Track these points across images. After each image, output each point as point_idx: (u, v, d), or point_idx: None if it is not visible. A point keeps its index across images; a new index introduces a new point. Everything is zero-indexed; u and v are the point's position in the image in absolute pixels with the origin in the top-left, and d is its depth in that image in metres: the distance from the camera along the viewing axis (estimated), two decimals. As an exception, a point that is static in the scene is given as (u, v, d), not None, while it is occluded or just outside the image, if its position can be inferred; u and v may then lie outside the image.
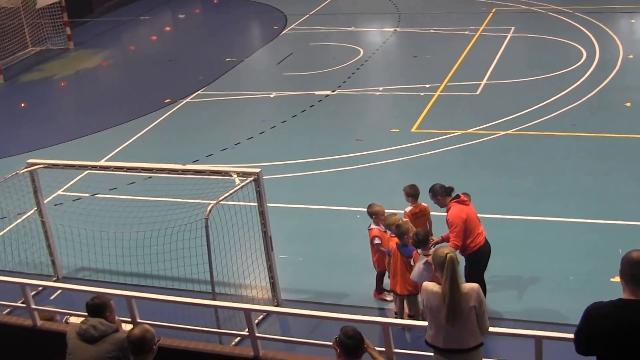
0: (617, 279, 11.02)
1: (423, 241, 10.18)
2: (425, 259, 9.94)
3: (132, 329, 7.14)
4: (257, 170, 10.98)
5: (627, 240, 12.36)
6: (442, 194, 10.54)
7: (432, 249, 10.00)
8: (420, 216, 11.35)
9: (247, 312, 8.61)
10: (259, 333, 8.82)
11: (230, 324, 10.56)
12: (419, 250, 10.24)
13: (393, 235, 10.68)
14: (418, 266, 10.11)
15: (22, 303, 11.02)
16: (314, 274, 12.48)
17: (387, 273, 11.13)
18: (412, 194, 11.31)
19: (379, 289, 11.54)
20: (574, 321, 10.18)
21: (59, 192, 15.70)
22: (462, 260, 10.45)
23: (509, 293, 11.41)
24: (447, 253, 7.20)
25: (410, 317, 10.81)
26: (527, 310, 10.96)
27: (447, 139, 16.90)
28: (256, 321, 10.39)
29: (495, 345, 9.75)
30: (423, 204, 11.48)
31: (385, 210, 11.29)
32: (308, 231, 13.84)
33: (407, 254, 10.42)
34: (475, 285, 7.28)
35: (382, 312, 11.34)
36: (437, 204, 10.71)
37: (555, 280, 11.64)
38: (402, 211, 11.44)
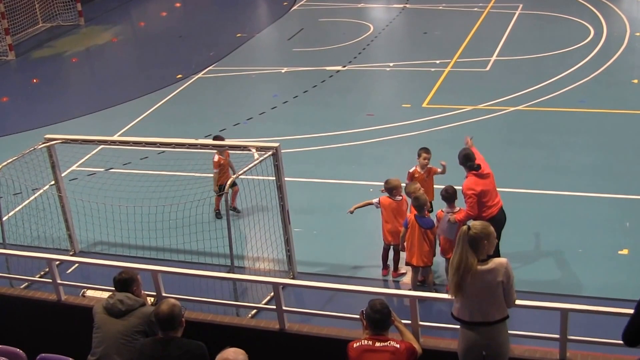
0: (625, 251, 11.34)
1: (450, 197, 10.62)
2: (450, 217, 10.45)
3: (158, 305, 7.15)
4: (276, 144, 11.03)
5: (634, 214, 12.66)
6: (463, 162, 10.77)
7: (458, 207, 10.58)
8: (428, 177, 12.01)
9: (276, 285, 8.69)
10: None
11: (247, 296, 10.77)
12: (444, 209, 10.64)
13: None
14: (443, 222, 10.53)
15: (40, 277, 11.26)
16: (328, 246, 12.62)
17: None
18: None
19: (385, 266, 11.71)
20: (586, 293, 10.54)
21: (73, 167, 15.85)
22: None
23: (521, 265, 11.53)
24: (464, 229, 7.22)
25: (421, 282, 11.10)
26: (537, 283, 11.10)
27: (458, 114, 17.05)
28: (271, 294, 10.40)
29: (517, 318, 10.00)
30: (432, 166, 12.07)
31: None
32: (320, 205, 13.98)
33: (426, 225, 10.66)
34: (503, 260, 7.24)
35: (396, 284, 11.50)
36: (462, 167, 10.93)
37: (564, 253, 11.82)
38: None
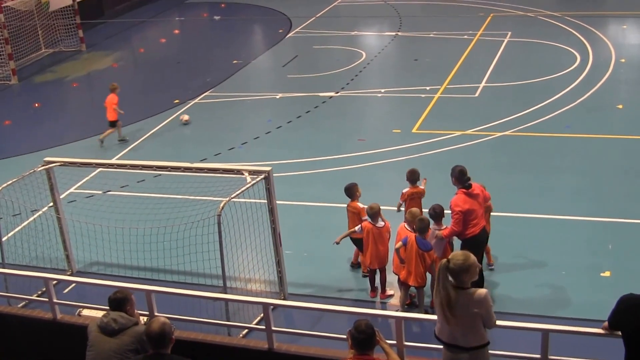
0: (607, 274, 11.59)
1: (438, 215, 11.07)
2: (437, 233, 10.89)
3: (149, 324, 7.28)
4: (268, 168, 11.33)
5: (616, 236, 12.98)
6: (456, 177, 11.07)
7: (444, 225, 11.00)
8: (415, 197, 12.42)
9: (265, 305, 8.95)
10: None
11: (239, 316, 10.99)
12: (431, 226, 11.01)
13: (408, 228, 11.23)
14: (430, 239, 10.91)
15: (38, 296, 11.53)
16: (318, 268, 12.89)
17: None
18: (409, 178, 12.48)
19: (374, 288, 11.97)
20: (569, 314, 10.77)
21: (72, 189, 16.14)
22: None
23: (506, 286, 11.87)
24: (444, 261, 7.29)
25: (409, 304, 11.43)
26: (519, 303, 11.42)
27: (447, 139, 17.43)
28: (262, 315, 10.66)
29: (500, 338, 10.28)
30: (421, 187, 12.49)
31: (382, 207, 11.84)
32: (312, 227, 14.28)
33: (424, 247, 10.98)
34: (483, 291, 7.27)
35: (384, 305, 11.75)
36: (453, 183, 11.22)
37: (548, 275, 12.09)
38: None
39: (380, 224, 11.60)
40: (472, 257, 7.26)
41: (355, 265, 12.68)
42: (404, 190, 12.53)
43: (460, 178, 11.00)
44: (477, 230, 10.99)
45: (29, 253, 13.31)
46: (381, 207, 11.75)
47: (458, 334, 7.36)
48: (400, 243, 11.17)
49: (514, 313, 11.00)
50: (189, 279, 12.34)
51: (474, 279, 7.30)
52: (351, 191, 12.31)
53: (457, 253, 7.36)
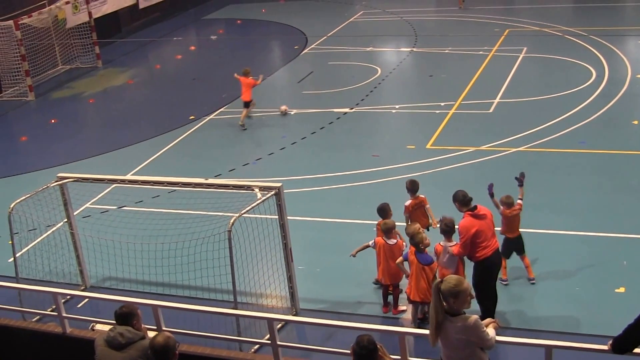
0: (622, 289, 11.53)
1: (449, 231, 11.07)
2: (448, 249, 10.86)
3: (153, 337, 7.41)
4: (278, 184, 11.38)
5: (632, 253, 12.88)
6: (460, 201, 11.09)
7: (454, 241, 10.98)
8: (418, 207, 12.61)
9: (270, 321, 8.99)
10: (280, 342, 9.13)
11: (250, 331, 10.98)
12: (442, 242, 11.06)
13: (413, 245, 11.20)
14: (443, 255, 10.91)
15: (51, 311, 11.58)
16: (331, 284, 12.90)
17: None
18: (410, 188, 12.68)
19: (386, 303, 12.00)
20: (582, 330, 10.72)
21: (87, 204, 16.26)
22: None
23: (517, 303, 11.82)
24: (437, 282, 7.33)
25: (421, 319, 11.40)
26: (535, 320, 11.36)
27: (461, 155, 17.42)
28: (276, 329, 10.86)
29: (506, 354, 10.20)
30: (421, 195, 12.67)
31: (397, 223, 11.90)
32: (326, 243, 14.29)
33: (423, 261, 10.96)
34: (472, 319, 7.26)
35: (397, 321, 11.72)
36: (457, 209, 11.23)
37: (562, 291, 12.04)
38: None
39: (392, 241, 11.61)
40: (465, 284, 7.27)
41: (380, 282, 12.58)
42: (406, 203, 12.64)
43: (463, 201, 11.05)
44: (490, 252, 10.88)
45: (43, 268, 13.36)
46: (396, 224, 11.79)
47: (451, 358, 7.41)
48: (400, 258, 11.27)
49: (526, 328, 10.98)
50: (200, 294, 12.38)
51: (464, 307, 7.28)
52: (384, 211, 12.29)
53: (452, 277, 7.40)
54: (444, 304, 7.24)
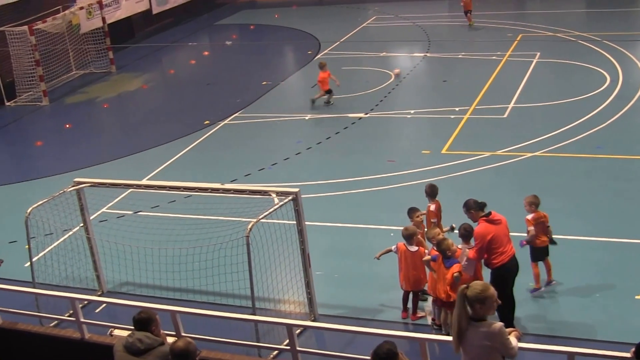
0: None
1: (467, 235, 11.08)
2: (466, 250, 10.83)
3: (174, 342, 7.41)
4: (296, 189, 11.35)
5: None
6: (474, 209, 11.06)
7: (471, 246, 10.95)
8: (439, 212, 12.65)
9: (289, 327, 9.00)
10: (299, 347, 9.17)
11: (269, 337, 10.98)
12: (460, 245, 11.01)
13: (434, 246, 11.23)
14: (462, 259, 10.83)
15: (69, 316, 11.60)
16: (349, 289, 12.85)
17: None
18: (429, 192, 12.73)
19: (405, 308, 11.95)
20: (603, 337, 10.67)
21: (103, 209, 16.26)
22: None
23: (536, 309, 11.76)
24: (462, 287, 7.29)
25: (438, 326, 11.39)
26: (555, 326, 11.30)
27: (477, 160, 17.36)
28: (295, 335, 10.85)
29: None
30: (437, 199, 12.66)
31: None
32: (343, 248, 14.25)
33: (449, 267, 10.92)
34: (497, 325, 7.23)
35: (418, 327, 11.68)
36: (469, 217, 11.21)
37: (582, 297, 11.96)
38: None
39: (414, 248, 11.56)
40: (492, 290, 7.24)
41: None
42: (432, 207, 12.66)
43: (476, 208, 11.04)
44: (507, 258, 10.84)
45: (60, 273, 13.37)
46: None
47: None
48: (428, 257, 11.26)
49: (546, 335, 10.93)
50: (218, 300, 12.33)
51: (489, 312, 7.26)
52: (411, 214, 12.35)
53: (478, 282, 7.40)
54: (469, 310, 7.19)
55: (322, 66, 22.34)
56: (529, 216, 11.96)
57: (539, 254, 12.08)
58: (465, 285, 7.28)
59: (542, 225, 12.01)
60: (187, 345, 7.29)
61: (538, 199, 12.11)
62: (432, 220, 12.63)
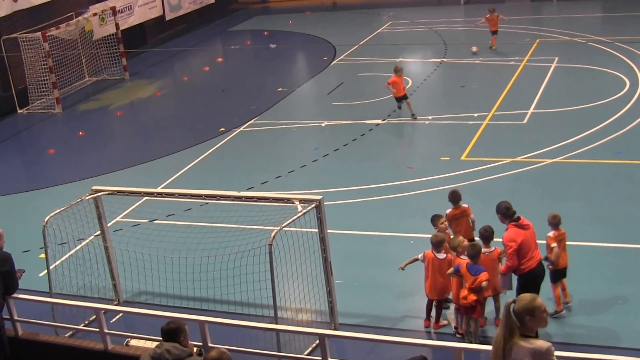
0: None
1: (488, 237, 11.13)
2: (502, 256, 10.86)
3: (207, 352, 7.32)
4: (319, 197, 11.21)
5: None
6: (503, 213, 10.92)
7: (493, 247, 11.04)
8: (459, 217, 12.43)
9: (322, 337, 8.86)
10: (319, 357, 9.00)
11: (290, 346, 10.85)
12: (483, 249, 10.95)
13: (458, 255, 11.12)
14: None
15: (85, 326, 11.50)
16: (369, 298, 12.70)
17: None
18: (450, 198, 12.53)
19: (428, 317, 11.78)
20: (626, 344, 10.50)
21: (118, 218, 16.13)
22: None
23: (567, 317, 11.60)
24: (509, 301, 6.95)
25: (461, 335, 11.23)
26: (576, 332, 11.16)
27: (497, 167, 17.17)
28: (314, 344, 10.66)
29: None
30: (464, 205, 12.48)
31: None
32: (362, 256, 14.10)
33: (474, 272, 10.79)
34: (545, 345, 6.81)
35: (441, 335, 11.53)
36: (500, 221, 11.06)
37: (604, 304, 11.81)
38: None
39: (441, 255, 11.42)
40: (539, 300, 6.88)
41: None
42: (447, 211, 12.49)
43: (507, 213, 10.90)
44: (534, 263, 10.74)
45: (77, 282, 13.23)
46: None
47: None
48: (452, 269, 11.09)
49: (571, 343, 10.78)
50: (238, 309, 12.19)
51: (540, 325, 6.92)
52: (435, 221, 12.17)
53: (525, 295, 7.02)
54: (518, 325, 6.84)
55: (397, 70, 21.32)
56: (551, 233, 11.64)
57: (560, 274, 11.73)
58: (512, 300, 6.93)
59: (562, 244, 11.70)
60: (221, 355, 7.19)
61: (559, 216, 11.81)
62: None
